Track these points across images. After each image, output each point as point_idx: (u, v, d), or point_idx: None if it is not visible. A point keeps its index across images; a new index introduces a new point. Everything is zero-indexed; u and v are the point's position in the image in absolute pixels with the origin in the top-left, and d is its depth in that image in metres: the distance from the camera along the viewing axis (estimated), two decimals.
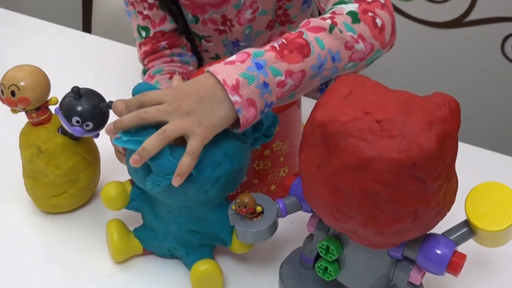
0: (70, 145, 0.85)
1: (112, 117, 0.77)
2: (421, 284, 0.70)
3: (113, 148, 0.85)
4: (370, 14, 0.76)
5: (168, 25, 1.05)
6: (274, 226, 0.72)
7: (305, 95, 0.85)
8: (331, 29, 0.72)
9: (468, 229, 0.66)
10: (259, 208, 0.72)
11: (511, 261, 0.83)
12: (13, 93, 0.79)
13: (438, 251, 0.64)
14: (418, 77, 1.86)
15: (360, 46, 0.74)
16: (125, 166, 0.75)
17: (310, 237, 0.76)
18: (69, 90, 0.81)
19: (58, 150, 0.84)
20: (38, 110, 0.83)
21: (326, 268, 0.71)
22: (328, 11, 0.78)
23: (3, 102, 0.81)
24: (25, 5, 2.22)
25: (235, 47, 1.11)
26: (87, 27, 1.66)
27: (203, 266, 0.77)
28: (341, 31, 0.73)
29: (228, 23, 1.06)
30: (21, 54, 1.30)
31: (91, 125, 0.80)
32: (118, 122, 0.70)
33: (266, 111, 0.70)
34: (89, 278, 0.81)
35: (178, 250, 0.80)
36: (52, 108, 0.84)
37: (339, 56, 0.72)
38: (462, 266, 0.64)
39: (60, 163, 0.84)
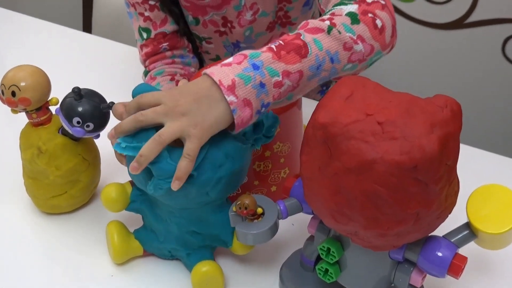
0: (71, 146, 0.85)
1: (113, 118, 0.77)
2: (422, 286, 0.70)
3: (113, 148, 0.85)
4: (370, 15, 0.75)
5: (169, 27, 1.05)
6: (274, 228, 0.72)
7: (305, 96, 0.85)
8: (329, 30, 0.72)
9: (469, 231, 0.66)
10: (259, 210, 0.72)
11: None
12: (13, 94, 0.79)
13: (439, 254, 0.64)
14: (418, 78, 1.86)
15: (360, 47, 0.74)
16: (125, 167, 0.75)
17: (311, 238, 0.75)
18: (69, 90, 0.81)
19: (58, 151, 0.83)
20: (38, 111, 0.83)
21: (327, 270, 0.71)
22: (327, 12, 0.78)
23: (3, 102, 0.81)
24: (26, 5, 2.22)
25: (235, 48, 1.10)
26: (87, 27, 1.66)
27: (204, 267, 0.76)
28: (339, 32, 0.72)
29: (229, 25, 1.06)
30: (21, 54, 1.30)
31: (91, 125, 0.80)
32: (118, 127, 0.71)
33: (263, 112, 0.70)
34: (89, 279, 0.81)
35: (179, 251, 0.80)
36: (53, 108, 0.84)
37: (337, 57, 0.72)
38: (463, 269, 0.64)
39: (61, 163, 0.84)
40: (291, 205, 0.73)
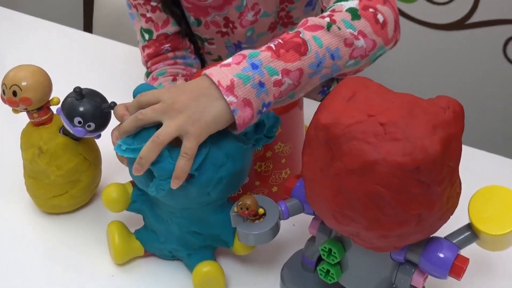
0: (72, 146, 0.84)
1: (114, 118, 0.77)
2: (424, 287, 0.69)
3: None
4: (371, 10, 0.75)
5: (171, 28, 1.05)
6: (276, 228, 0.72)
7: (306, 96, 0.85)
8: (328, 26, 0.72)
9: (471, 232, 0.65)
10: (261, 210, 0.72)
11: None
12: (14, 93, 0.79)
13: (441, 255, 0.64)
14: (420, 79, 1.86)
15: (361, 42, 0.73)
16: (126, 167, 0.75)
17: (312, 239, 0.75)
18: (70, 90, 0.81)
19: (59, 151, 0.83)
20: (39, 110, 0.82)
21: (328, 271, 0.71)
22: (328, 9, 0.77)
23: (4, 102, 0.81)
24: (26, 4, 2.21)
25: (237, 49, 1.10)
26: (88, 27, 1.66)
27: (205, 267, 0.76)
28: (339, 28, 0.72)
29: (231, 25, 1.06)
30: (21, 53, 1.30)
31: (93, 125, 0.80)
32: (120, 128, 0.71)
33: (264, 111, 0.70)
34: (89, 278, 0.81)
35: (180, 252, 0.80)
36: (54, 108, 0.84)
37: (338, 54, 0.72)
38: (465, 270, 0.64)
39: (61, 163, 0.84)
40: (292, 206, 0.73)
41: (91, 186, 0.89)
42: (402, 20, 1.78)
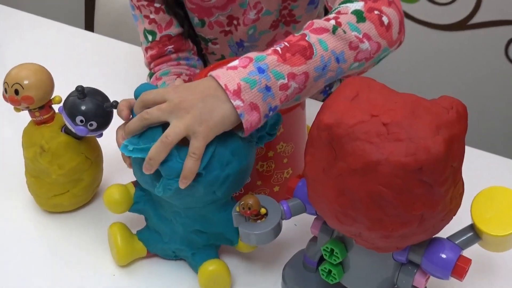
0: (73, 145, 0.84)
1: (116, 117, 0.77)
2: None
3: (116, 147, 0.84)
4: (376, 12, 0.75)
5: (174, 29, 1.05)
6: (278, 228, 0.72)
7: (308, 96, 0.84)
8: (334, 30, 0.72)
9: (473, 233, 0.65)
10: (263, 210, 0.72)
11: None
12: (16, 92, 0.79)
13: (443, 256, 0.64)
14: (422, 79, 1.85)
15: (366, 45, 0.73)
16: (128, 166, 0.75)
17: (314, 239, 0.75)
18: (72, 89, 0.81)
19: (61, 149, 0.83)
20: (41, 109, 0.82)
21: (330, 271, 0.71)
22: (333, 10, 0.77)
23: (6, 100, 0.81)
24: (28, 3, 2.21)
25: (239, 48, 1.10)
26: (89, 26, 1.66)
27: (211, 266, 0.76)
28: (344, 32, 0.72)
29: (235, 22, 1.06)
30: (23, 52, 1.30)
31: (95, 124, 0.80)
32: (126, 128, 0.71)
33: (271, 115, 0.70)
34: (91, 278, 0.81)
35: (184, 251, 0.80)
36: (56, 107, 0.84)
37: (343, 57, 0.72)
38: (467, 271, 0.64)
39: (63, 162, 0.84)
40: (294, 206, 0.73)
41: (92, 185, 0.89)
42: (404, 20, 1.78)
